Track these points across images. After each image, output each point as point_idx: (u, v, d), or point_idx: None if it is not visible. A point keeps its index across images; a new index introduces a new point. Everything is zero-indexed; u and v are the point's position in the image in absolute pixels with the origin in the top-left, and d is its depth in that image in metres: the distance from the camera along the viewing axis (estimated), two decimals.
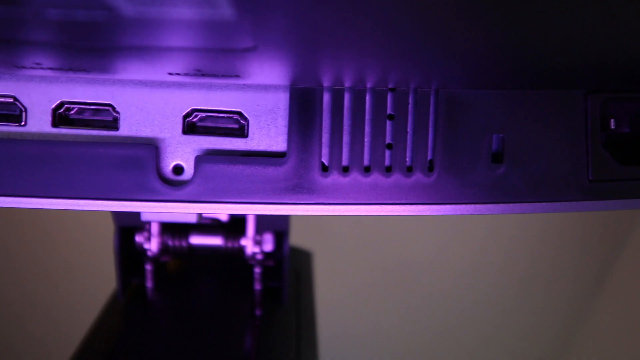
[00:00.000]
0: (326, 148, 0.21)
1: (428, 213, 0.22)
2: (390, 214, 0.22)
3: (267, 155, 0.22)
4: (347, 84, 0.21)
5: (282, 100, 0.22)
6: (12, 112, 0.22)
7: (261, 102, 0.22)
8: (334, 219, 0.71)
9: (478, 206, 0.22)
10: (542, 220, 0.74)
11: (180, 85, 0.21)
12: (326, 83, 0.21)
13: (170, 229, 0.36)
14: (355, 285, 0.74)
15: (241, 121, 0.22)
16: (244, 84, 0.21)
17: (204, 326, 0.34)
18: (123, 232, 0.36)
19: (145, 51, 0.17)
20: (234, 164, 0.21)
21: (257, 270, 0.36)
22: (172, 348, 0.32)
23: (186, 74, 0.19)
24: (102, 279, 0.71)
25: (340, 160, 0.21)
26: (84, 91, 0.21)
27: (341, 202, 0.22)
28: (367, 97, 0.21)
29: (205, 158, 0.21)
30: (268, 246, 0.36)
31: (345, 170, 0.21)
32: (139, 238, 0.36)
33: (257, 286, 0.36)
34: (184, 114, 0.22)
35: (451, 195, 0.22)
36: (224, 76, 0.19)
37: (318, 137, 0.21)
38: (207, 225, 0.37)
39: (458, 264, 0.76)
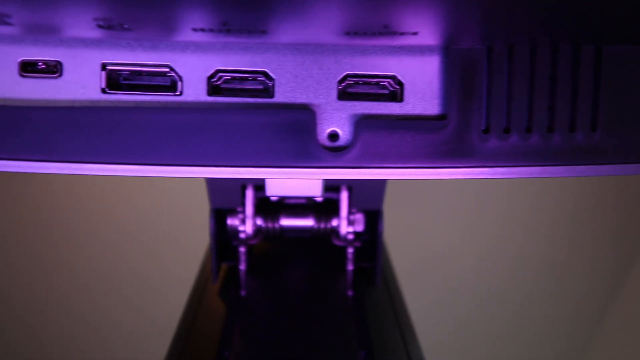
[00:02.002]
0: (486, 110, 0.21)
1: (591, 174, 0.21)
2: (552, 175, 0.21)
3: (425, 119, 0.22)
4: (506, 44, 0.21)
5: (437, 62, 0.21)
6: (165, 83, 0.21)
7: (416, 65, 0.21)
8: None
9: None
10: (558, 215, 0.74)
11: (334, 50, 0.21)
12: (484, 43, 0.21)
13: (262, 210, 0.36)
14: None
15: (394, 85, 0.21)
16: (400, 46, 0.21)
17: (303, 308, 0.34)
18: (218, 214, 0.35)
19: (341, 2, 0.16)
20: (394, 129, 0.21)
21: (350, 250, 0.36)
22: (278, 329, 0.32)
23: (364, 33, 0.19)
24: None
25: (501, 122, 0.21)
26: (238, 59, 0.21)
27: (503, 164, 0.21)
28: (527, 57, 0.21)
29: (364, 123, 0.21)
30: (360, 226, 0.36)
31: (506, 132, 0.21)
32: (231, 221, 0.35)
33: (350, 267, 0.36)
34: (338, 79, 0.21)
35: (616, 155, 0.21)
36: (402, 34, 0.19)
37: (477, 99, 0.21)
38: (297, 206, 0.37)
39: (473, 259, 0.75)
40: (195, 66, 0.21)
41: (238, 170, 0.21)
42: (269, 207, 0.36)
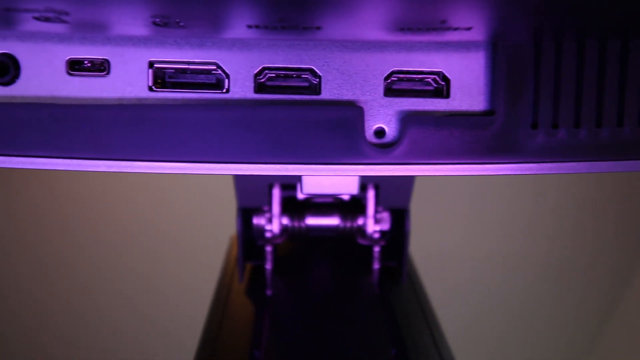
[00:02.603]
0: (533, 106, 0.21)
1: (639, 169, 0.21)
2: (599, 170, 0.21)
3: (472, 115, 0.21)
4: (551, 39, 0.21)
5: (484, 58, 0.21)
6: (210, 80, 0.21)
7: (463, 61, 0.21)
8: None
9: None
10: (562, 213, 0.75)
11: (381, 46, 0.21)
12: (532, 39, 0.21)
13: (288, 210, 0.36)
14: None
15: (440, 81, 0.21)
16: (447, 42, 0.21)
17: (330, 307, 0.34)
18: (244, 214, 0.35)
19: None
20: (440, 125, 0.21)
21: (376, 249, 0.36)
22: (307, 328, 0.32)
23: (418, 29, 0.19)
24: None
25: (549, 117, 0.21)
26: (285, 56, 0.21)
27: (550, 159, 0.21)
28: (575, 52, 0.21)
29: (411, 119, 0.21)
30: (386, 224, 0.36)
31: (554, 127, 0.21)
32: (257, 220, 0.35)
33: (376, 265, 0.36)
34: (384, 76, 0.21)
35: None
36: (455, 29, 0.19)
37: (525, 94, 0.21)
38: (323, 205, 0.36)
39: (477, 258, 0.76)
40: (242, 64, 0.21)
41: (286, 167, 0.21)
42: (294, 206, 0.36)
